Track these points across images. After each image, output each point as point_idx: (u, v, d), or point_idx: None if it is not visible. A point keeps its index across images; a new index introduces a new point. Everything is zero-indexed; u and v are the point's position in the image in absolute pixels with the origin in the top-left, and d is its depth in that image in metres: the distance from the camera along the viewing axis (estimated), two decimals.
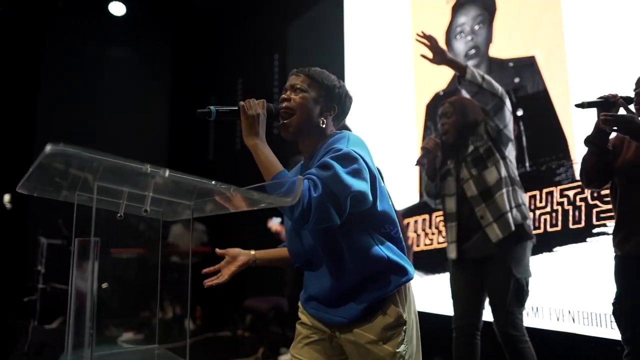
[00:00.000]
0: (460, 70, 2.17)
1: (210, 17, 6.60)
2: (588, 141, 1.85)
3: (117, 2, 6.10)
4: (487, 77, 2.18)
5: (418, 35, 2.27)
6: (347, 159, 1.14)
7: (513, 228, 2.17)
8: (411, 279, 1.26)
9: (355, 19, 4.31)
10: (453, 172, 2.37)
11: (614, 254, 1.84)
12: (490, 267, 2.24)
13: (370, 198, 1.16)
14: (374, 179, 1.20)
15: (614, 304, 1.82)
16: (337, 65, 4.42)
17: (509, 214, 2.17)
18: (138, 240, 4.07)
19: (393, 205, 1.31)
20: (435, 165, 2.42)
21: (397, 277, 1.23)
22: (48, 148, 0.64)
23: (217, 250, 1.47)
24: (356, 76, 4.22)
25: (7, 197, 6.74)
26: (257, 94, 5.30)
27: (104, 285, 4.39)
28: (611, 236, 1.86)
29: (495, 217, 2.18)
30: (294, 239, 1.32)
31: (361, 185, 1.13)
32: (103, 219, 1.04)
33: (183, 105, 6.92)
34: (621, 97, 1.75)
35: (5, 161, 6.30)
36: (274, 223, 3.66)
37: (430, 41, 2.22)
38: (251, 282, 5.28)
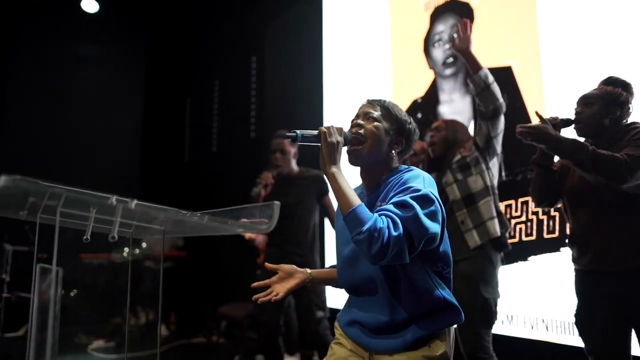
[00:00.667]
0: (476, 65, 2.20)
1: (187, 16, 6.48)
2: (533, 162, 1.91)
3: (90, 0, 5.93)
4: (495, 83, 2.22)
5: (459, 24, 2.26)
6: (426, 201, 1.16)
7: (492, 236, 2.18)
8: (461, 321, 1.28)
9: (334, 23, 4.30)
10: (436, 179, 2.38)
11: (573, 267, 1.88)
12: (459, 285, 2.22)
13: (438, 240, 1.20)
14: (444, 221, 1.22)
15: (575, 315, 1.86)
16: (316, 70, 4.40)
17: (490, 222, 2.19)
18: (109, 247, 3.97)
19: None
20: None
21: (449, 317, 1.25)
22: (2, 180, 0.59)
23: (268, 265, 1.38)
24: (334, 81, 4.20)
25: None
26: (234, 96, 5.25)
27: (73, 293, 4.27)
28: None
29: (476, 224, 2.19)
30: (348, 267, 1.32)
31: (437, 228, 1.16)
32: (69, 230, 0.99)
33: (158, 106, 6.79)
34: (561, 119, 1.81)
35: None
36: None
37: (465, 31, 2.23)
38: (226, 288, 5.22)
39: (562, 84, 2.55)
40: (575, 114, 1.82)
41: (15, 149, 5.74)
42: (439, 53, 3.24)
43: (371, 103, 1.35)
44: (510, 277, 2.62)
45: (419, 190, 1.16)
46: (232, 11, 5.75)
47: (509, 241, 2.31)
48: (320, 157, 1.21)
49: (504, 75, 2.83)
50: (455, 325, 1.30)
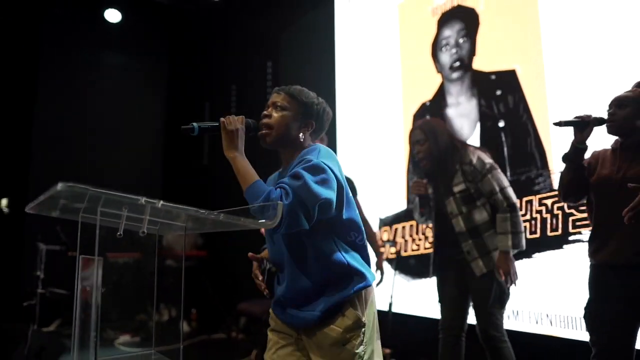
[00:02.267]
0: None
1: (205, 25, 6.70)
2: (565, 158, 1.98)
3: (113, 10, 6.18)
4: (521, 224, 2.30)
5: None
6: (317, 170, 1.26)
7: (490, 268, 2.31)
8: (369, 285, 1.36)
9: (345, 30, 4.43)
10: (434, 197, 2.49)
11: (589, 263, 1.96)
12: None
13: (334, 205, 1.28)
14: (341, 189, 1.32)
15: (585, 308, 1.94)
16: (328, 74, 4.54)
17: (495, 253, 2.30)
18: (134, 246, 4.17)
19: (362, 215, 1.43)
20: (425, 202, 2.52)
21: (356, 283, 1.33)
22: (59, 186, 0.75)
23: (251, 255, 1.50)
24: (346, 86, 4.33)
25: (4, 202, 6.82)
26: (251, 100, 5.44)
27: (102, 290, 4.49)
28: (586, 243, 1.98)
29: (482, 254, 2.31)
30: (269, 243, 1.45)
31: (328, 194, 1.25)
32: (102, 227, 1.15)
33: (178, 110, 7.02)
34: (594, 118, 1.89)
35: (1, 167, 6.39)
36: None
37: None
38: (245, 285, 5.39)
39: (564, 87, 2.64)
40: (609, 115, 1.88)
41: (46, 151, 6.04)
42: (446, 57, 3.35)
43: (278, 92, 1.47)
44: None
45: (310, 161, 1.28)
46: (248, 19, 5.94)
47: None
48: (223, 145, 1.36)
49: (508, 78, 2.93)
50: (369, 289, 1.36)
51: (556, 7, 2.72)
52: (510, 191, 2.31)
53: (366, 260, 1.39)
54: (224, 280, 5.61)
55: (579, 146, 1.93)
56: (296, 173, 1.25)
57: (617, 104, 1.90)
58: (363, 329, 1.33)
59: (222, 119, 1.38)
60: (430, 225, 2.64)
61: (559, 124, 1.95)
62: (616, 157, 1.92)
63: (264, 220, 1.06)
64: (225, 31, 6.44)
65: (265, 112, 1.45)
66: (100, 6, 6.16)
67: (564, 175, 2.01)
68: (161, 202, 0.87)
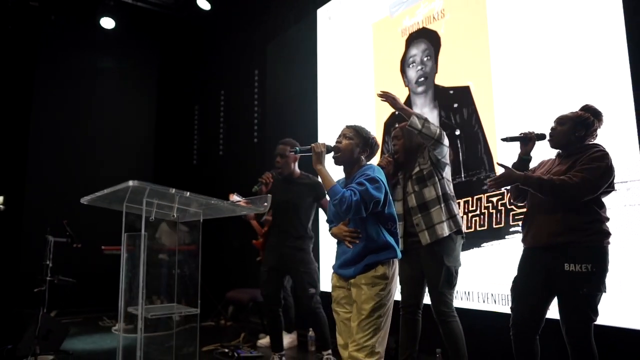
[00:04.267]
0: (407, 116, 2.70)
1: (195, 33, 7.07)
2: (513, 167, 2.42)
3: (107, 18, 6.51)
4: (427, 123, 2.67)
5: (378, 94, 2.76)
6: (373, 180, 2.03)
7: (441, 236, 2.71)
8: (396, 257, 2.10)
9: (326, 43, 4.87)
10: (401, 182, 2.94)
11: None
12: (428, 258, 2.81)
13: (382, 203, 2.05)
14: (386, 194, 2.08)
15: (512, 282, 2.40)
16: (310, 83, 4.97)
17: (438, 226, 2.72)
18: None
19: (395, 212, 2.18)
20: (387, 178, 2.97)
21: (388, 253, 2.07)
22: (131, 183, 1.18)
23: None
24: (326, 93, 4.77)
25: (0, 199, 7.11)
26: (239, 104, 5.92)
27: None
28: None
29: (427, 227, 2.73)
30: (336, 223, 2.18)
31: (379, 196, 2.01)
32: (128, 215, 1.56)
33: (169, 113, 7.39)
34: (536, 134, 2.34)
35: (1, 166, 6.69)
36: (236, 197, 4.19)
37: (386, 97, 2.75)
38: (233, 276, 5.81)
39: (509, 100, 3.12)
40: (550, 130, 2.32)
41: (43, 151, 6.37)
42: (412, 73, 3.83)
43: (348, 127, 2.22)
44: (468, 260, 3.18)
45: (369, 175, 2.04)
46: (237, 29, 6.35)
47: (467, 231, 2.92)
48: (312, 161, 2.10)
49: (463, 93, 3.41)
50: (396, 260, 2.11)
51: (503, 33, 3.21)
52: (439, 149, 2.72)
53: (396, 242, 2.12)
54: (213, 272, 6.01)
55: (524, 157, 2.40)
56: (361, 182, 2.00)
57: (559, 121, 2.36)
58: (386, 282, 2.04)
59: (312, 145, 2.13)
60: None
61: (506, 139, 2.41)
62: (553, 163, 2.39)
63: (255, 208, 1.50)
64: (215, 39, 6.83)
65: (338, 139, 2.20)
66: (96, 14, 6.48)
67: (511, 191, 2.46)
68: (188, 193, 1.30)
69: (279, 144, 3.38)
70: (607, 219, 2.20)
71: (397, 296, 3.26)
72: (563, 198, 2.15)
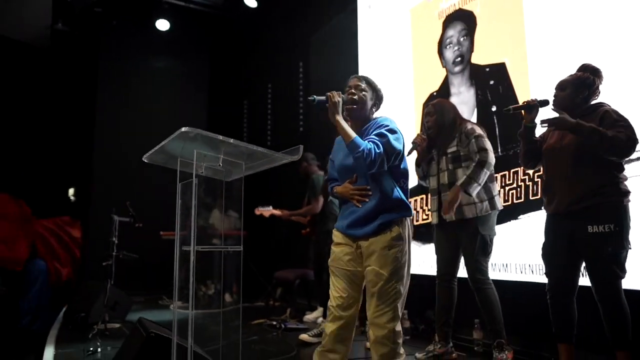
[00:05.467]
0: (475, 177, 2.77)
1: (243, 30, 7.43)
2: (519, 135, 2.51)
3: (163, 20, 6.98)
4: (480, 176, 2.76)
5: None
6: (393, 132, 1.93)
7: (466, 217, 2.81)
8: (410, 215, 1.99)
9: (367, 32, 5.03)
10: (435, 158, 3.06)
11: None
12: (464, 228, 2.91)
13: (402, 156, 1.97)
14: (403, 146, 1.98)
15: (542, 249, 2.47)
16: (352, 71, 5.13)
17: (466, 207, 2.82)
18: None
19: None
20: (422, 155, 3.09)
21: (402, 211, 1.95)
22: (183, 129, 1.41)
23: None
24: None
25: (71, 191, 7.76)
26: (285, 97, 6.24)
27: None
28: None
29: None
30: (345, 176, 2.04)
31: (400, 148, 1.94)
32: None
33: (219, 107, 7.80)
34: (539, 100, 2.40)
35: (69, 161, 7.32)
36: (264, 210, 4.50)
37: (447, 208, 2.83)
38: (281, 256, 6.07)
39: (544, 75, 3.16)
40: (553, 97, 2.39)
41: (107, 146, 6.92)
42: (449, 54, 3.92)
43: (358, 78, 2.09)
44: (505, 233, 3.25)
45: (387, 126, 1.95)
46: (281, 24, 6.62)
47: (505, 204, 3.06)
48: (328, 111, 1.93)
49: (499, 70, 3.47)
50: (409, 218, 1.99)
51: (538, 10, 3.25)
52: (486, 153, 2.77)
53: (408, 200, 2.02)
54: (263, 256, 6.31)
55: (528, 125, 2.46)
56: (381, 133, 1.90)
57: (559, 87, 2.41)
58: (402, 242, 1.92)
59: (328, 93, 1.94)
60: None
61: (508, 110, 2.47)
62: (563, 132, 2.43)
63: (292, 157, 1.70)
64: (262, 35, 7.14)
65: (351, 91, 2.03)
66: (152, 16, 6.96)
67: (521, 148, 2.54)
68: (232, 139, 1.51)
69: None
70: (626, 178, 2.23)
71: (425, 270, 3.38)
72: (613, 152, 2.13)
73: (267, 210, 4.61)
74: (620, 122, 2.16)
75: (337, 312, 1.95)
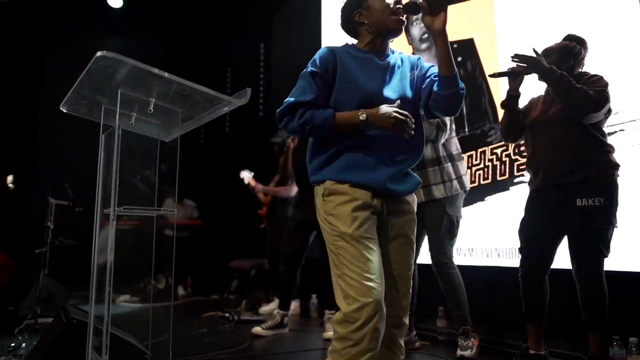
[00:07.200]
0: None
1: (201, 9, 7.07)
2: (502, 104, 2.37)
3: None
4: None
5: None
6: None
7: (435, 198, 2.68)
8: None
9: (330, 12, 4.81)
10: None
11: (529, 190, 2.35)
12: (431, 208, 2.74)
13: None
14: None
15: (520, 224, 2.33)
16: (316, 52, 4.91)
17: (435, 187, 2.70)
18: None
19: None
20: None
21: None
22: (99, 53, 1.13)
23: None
24: None
25: (10, 178, 7.16)
26: (245, 81, 5.89)
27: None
28: (527, 184, 2.37)
29: (423, 185, 2.66)
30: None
31: None
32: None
33: None
34: (524, 67, 2.26)
35: (8, 145, 6.75)
36: (247, 175, 4.18)
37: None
38: (235, 246, 5.77)
39: (513, 50, 3.02)
40: None
41: (52, 128, 6.42)
42: (416, 31, 3.74)
43: None
44: (471, 215, 3.10)
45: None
46: (242, 3, 6.32)
47: (471, 185, 2.89)
48: (435, 16, 1.41)
49: (467, 46, 3.32)
50: None
51: None
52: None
53: None
54: (218, 245, 5.99)
55: (512, 94, 2.32)
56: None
57: (545, 53, 2.29)
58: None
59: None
60: None
61: (493, 75, 2.33)
62: (545, 100, 2.32)
63: (239, 101, 1.44)
64: (221, 15, 6.81)
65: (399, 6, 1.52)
66: None
67: (503, 119, 2.41)
68: (167, 73, 1.24)
69: None
70: (613, 148, 2.13)
71: None
72: (578, 105, 2.04)
73: (248, 177, 4.32)
74: (596, 84, 2.08)
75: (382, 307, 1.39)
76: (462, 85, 1.45)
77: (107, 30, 6.99)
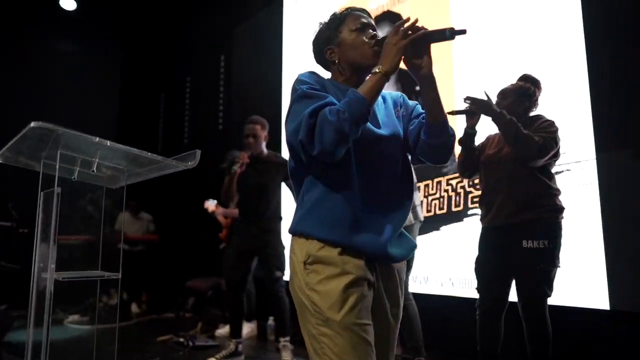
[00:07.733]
0: None
1: (161, 18, 6.89)
2: (460, 141, 2.41)
3: None
4: None
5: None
6: None
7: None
8: None
9: (292, 27, 4.79)
10: None
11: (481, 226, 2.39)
12: None
13: None
14: None
15: (475, 263, 2.37)
16: (276, 67, 4.88)
17: None
18: (85, 225, 4.35)
19: None
20: None
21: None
22: (32, 124, 1.06)
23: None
24: (293, 77, 4.67)
25: None
26: (204, 91, 5.76)
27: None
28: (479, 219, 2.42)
29: None
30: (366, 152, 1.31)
31: None
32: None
33: (133, 100, 7.17)
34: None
35: None
36: (210, 204, 4.08)
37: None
38: (193, 265, 5.66)
39: (468, 83, 3.09)
40: (495, 104, 2.29)
41: (2, 137, 6.07)
42: None
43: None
44: (426, 245, 3.14)
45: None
46: (203, 14, 6.20)
47: (427, 214, 2.91)
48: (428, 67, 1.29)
49: None
50: None
51: (465, 14, 3.18)
52: None
53: None
54: (174, 262, 5.85)
55: (469, 131, 2.36)
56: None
57: (501, 95, 2.35)
58: None
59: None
60: None
61: (452, 113, 2.36)
62: (500, 139, 2.37)
63: (186, 164, 1.39)
64: (181, 25, 6.66)
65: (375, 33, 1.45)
66: None
67: (459, 155, 2.45)
68: (109, 142, 1.18)
69: (249, 123, 3.25)
70: (559, 191, 2.20)
71: None
72: (524, 150, 2.11)
73: (212, 206, 4.19)
74: (545, 130, 2.15)
75: None
76: (452, 132, 1.29)
77: (59, 34, 6.70)
